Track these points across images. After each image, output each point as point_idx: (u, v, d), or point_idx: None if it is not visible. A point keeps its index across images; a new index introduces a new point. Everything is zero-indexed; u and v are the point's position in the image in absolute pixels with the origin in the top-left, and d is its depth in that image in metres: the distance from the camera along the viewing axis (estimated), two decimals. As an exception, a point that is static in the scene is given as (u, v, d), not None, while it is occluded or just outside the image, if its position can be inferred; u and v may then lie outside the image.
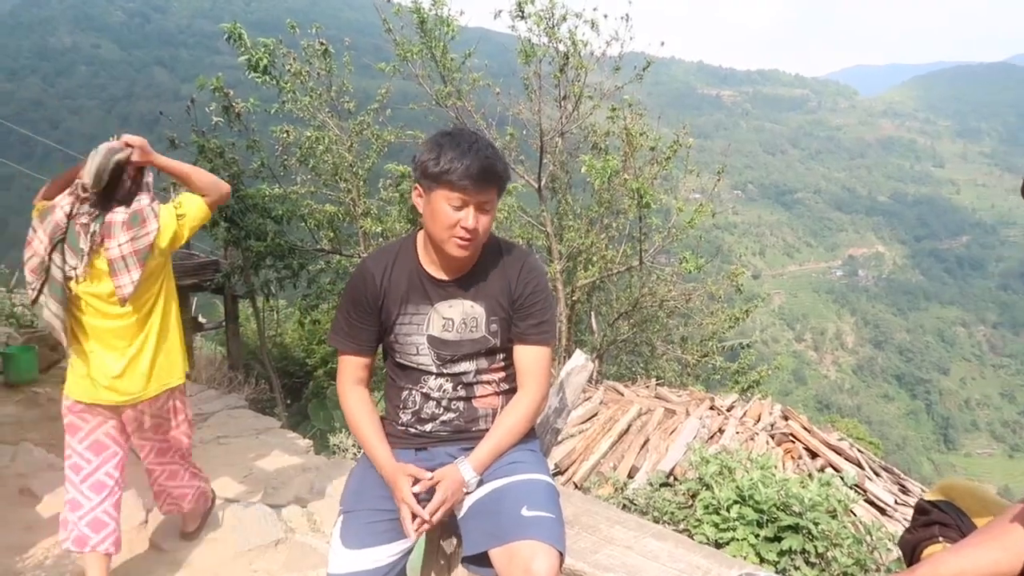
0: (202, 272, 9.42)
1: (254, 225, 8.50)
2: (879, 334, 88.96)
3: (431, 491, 1.80)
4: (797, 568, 3.36)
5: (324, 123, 9.27)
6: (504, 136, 9.65)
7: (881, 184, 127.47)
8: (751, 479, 3.62)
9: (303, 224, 9.39)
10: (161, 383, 2.81)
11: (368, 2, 9.21)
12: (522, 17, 8.60)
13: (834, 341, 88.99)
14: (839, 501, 3.62)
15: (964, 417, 74.49)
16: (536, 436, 2.10)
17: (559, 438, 5.54)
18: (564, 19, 8.58)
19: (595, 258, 10.46)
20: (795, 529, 3.42)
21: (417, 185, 1.84)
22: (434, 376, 1.94)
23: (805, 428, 6.17)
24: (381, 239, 9.35)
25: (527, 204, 11.52)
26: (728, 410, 6.54)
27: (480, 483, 1.86)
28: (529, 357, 1.94)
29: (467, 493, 1.85)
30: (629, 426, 6.14)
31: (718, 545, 3.47)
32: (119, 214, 2.59)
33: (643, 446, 5.81)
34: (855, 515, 4.53)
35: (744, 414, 6.53)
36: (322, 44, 8.91)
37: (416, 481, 1.81)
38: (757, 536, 3.43)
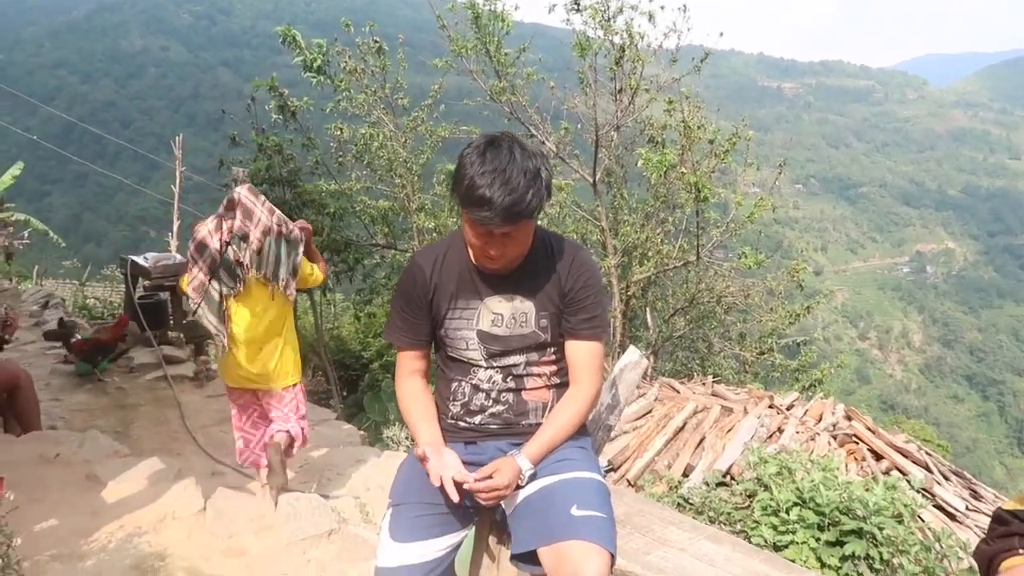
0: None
1: (310, 220, 8.65)
2: (948, 332, 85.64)
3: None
4: (860, 574, 3.23)
5: (379, 120, 9.37)
6: (559, 131, 9.59)
7: (952, 177, 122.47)
8: (812, 481, 3.49)
9: (358, 219, 9.52)
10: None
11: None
12: (577, 10, 8.52)
13: (900, 340, 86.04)
14: (905, 505, 3.47)
15: (1040, 420, 71.21)
16: (588, 433, 2.05)
17: (612, 435, 5.47)
18: (620, 11, 8.46)
19: (651, 253, 10.31)
20: (858, 534, 3.29)
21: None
22: (484, 368, 1.91)
23: (869, 429, 5.95)
24: (435, 234, 9.42)
25: (582, 199, 11.43)
26: (788, 409, 6.35)
27: (533, 477, 1.82)
28: (581, 352, 1.90)
29: (520, 487, 1.81)
30: (685, 423, 6.02)
31: (776, 548, 3.36)
32: None
33: (699, 444, 5.69)
34: (923, 520, 4.34)
35: (805, 413, 6.34)
36: (376, 42, 9.00)
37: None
38: (818, 540, 3.31)
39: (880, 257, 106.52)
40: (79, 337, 6.60)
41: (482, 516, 1.85)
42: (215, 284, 3.47)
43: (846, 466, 5.26)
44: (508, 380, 1.91)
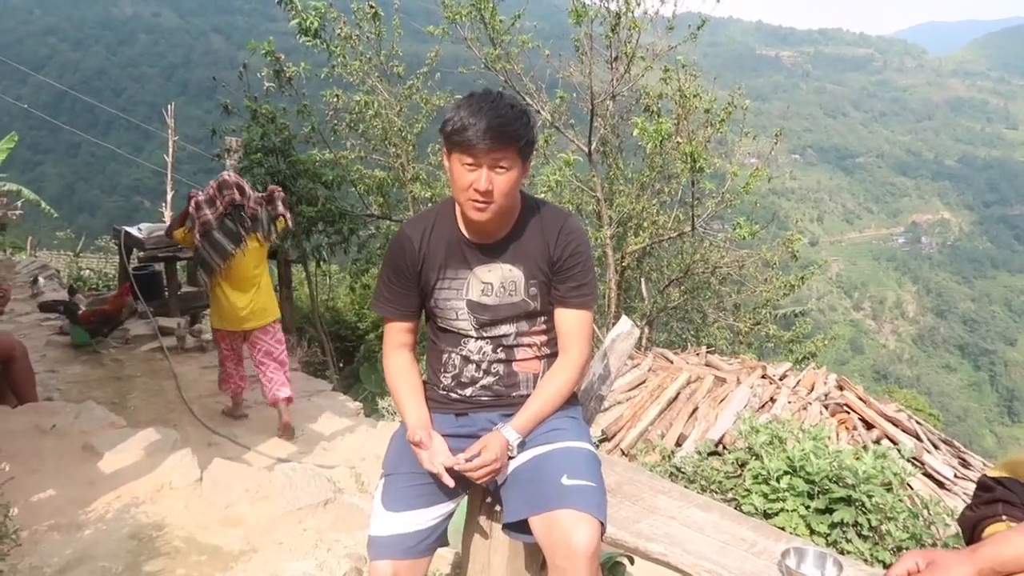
0: (256, 236, 9.58)
1: (305, 190, 8.60)
2: (942, 303, 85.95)
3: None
4: (849, 541, 3.28)
5: (374, 88, 9.27)
6: (554, 100, 9.50)
7: (949, 147, 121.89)
8: (803, 449, 3.53)
9: (353, 189, 9.45)
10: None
11: (419, -36, 9.11)
12: (573, -25, 8.39)
13: (894, 310, 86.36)
14: (895, 474, 3.52)
15: (1031, 389, 71.84)
16: (579, 403, 2.06)
17: (606, 405, 5.51)
18: (616, -24, 8.34)
19: (646, 224, 10.28)
20: (848, 501, 3.34)
21: (444, 148, 1.80)
22: (474, 339, 1.92)
23: (861, 398, 6.00)
24: (430, 204, 9.37)
25: (577, 169, 11.37)
26: (780, 379, 6.40)
27: (522, 446, 1.84)
28: (570, 321, 1.90)
29: (511, 457, 1.83)
30: (678, 394, 6.07)
31: (767, 516, 3.41)
32: None
33: (692, 414, 5.74)
34: (911, 488, 4.40)
35: (797, 383, 6.39)
36: (371, 7, 8.86)
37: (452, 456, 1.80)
38: (807, 508, 3.36)
39: (876, 228, 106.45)
40: (83, 309, 6.60)
41: (474, 485, 1.86)
42: (217, 236, 4.39)
43: (837, 435, 5.32)
44: (498, 351, 1.92)
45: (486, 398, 1.95)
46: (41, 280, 10.03)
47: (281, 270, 10.34)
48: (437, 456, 1.79)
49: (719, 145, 10.32)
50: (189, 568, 2.96)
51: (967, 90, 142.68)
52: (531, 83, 9.26)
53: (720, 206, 9.54)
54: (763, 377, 6.41)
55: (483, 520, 1.96)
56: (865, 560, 3.23)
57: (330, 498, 3.56)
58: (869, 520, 3.30)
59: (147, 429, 4.03)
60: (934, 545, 3.33)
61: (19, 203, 15.64)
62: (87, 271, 13.01)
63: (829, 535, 3.29)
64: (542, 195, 8.87)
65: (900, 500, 3.47)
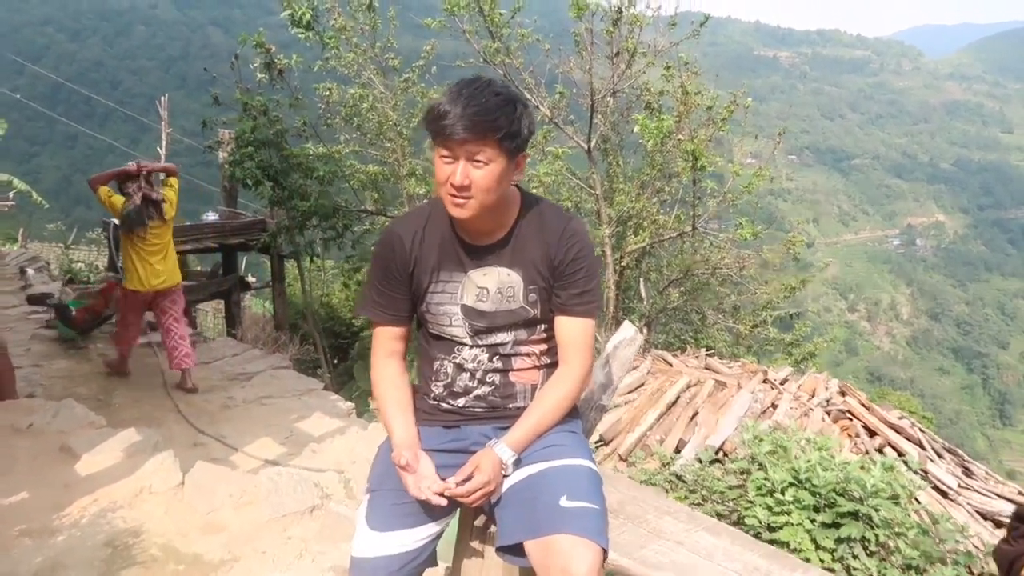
0: (248, 231, 9.36)
1: (297, 185, 8.44)
2: (936, 306, 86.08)
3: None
4: (856, 557, 3.16)
5: (369, 81, 9.11)
6: (553, 95, 9.36)
7: (944, 150, 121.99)
8: (808, 461, 3.40)
9: (347, 184, 9.30)
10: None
11: (417, -45, 8.96)
12: (574, -31, 8.25)
13: (889, 312, 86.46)
14: (903, 487, 3.39)
15: (1022, 393, 71.94)
16: (578, 416, 1.91)
17: (604, 408, 5.38)
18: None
19: (646, 223, 10.16)
20: (855, 516, 3.21)
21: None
22: (468, 347, 1.77)
23: (864, 405, 5.89)
24: (426, 201, 9.22)
25: (576, 166, 11.23)
26: (782, 384, 6.27)
27: (517, 463, 1.70)
28: (571, 330, 1.75)
29: (505, 476, 1.69)
30: (677, 398, 5.94)
31: (771, 529, 3.28)
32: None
33: (692, 419, 5.61)
34: (919, 502, 4.28)
35: (798, 388, 6.26)
36: (366, -3, 8.71)
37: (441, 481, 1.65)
38: (813, 522, 3.23)
39: (871, 230, 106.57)
40: (73, 310, 6.50)
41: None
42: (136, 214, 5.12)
43: (840, 443, 5.20)
44: (495, 360, 1.77)
45: (480, 409, 1.80)
46: (30, 272, 9.87)
47: (274, 265, 10.20)
48: (423, 480, 1.64)
49: (719, 145, 10.20)
50: (166, 579, 2.82)
51: (963, 93, 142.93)
52: (530, 78, 9.12)
53: (721, 206, 9.43)
54: (764, 382, 6.29)
55: (476, 542, 1.82)
56: (873, 578, 3.11)
57: (317, 504, 3.43)
58: (877, 535, 3.18)
59: (128, 429, 3.89)
60: (944, 563, 3.20)
61: (11, 194, 15.45)
62: (79, 263, 12.81)
63: (835, 550, 3.16)
64: (536, 192, 8.73)
65: (909, 515, 3.34)
